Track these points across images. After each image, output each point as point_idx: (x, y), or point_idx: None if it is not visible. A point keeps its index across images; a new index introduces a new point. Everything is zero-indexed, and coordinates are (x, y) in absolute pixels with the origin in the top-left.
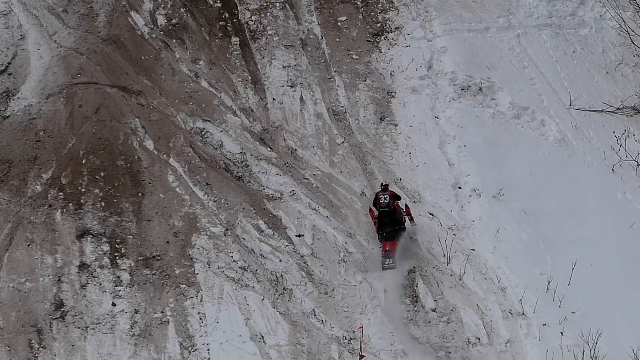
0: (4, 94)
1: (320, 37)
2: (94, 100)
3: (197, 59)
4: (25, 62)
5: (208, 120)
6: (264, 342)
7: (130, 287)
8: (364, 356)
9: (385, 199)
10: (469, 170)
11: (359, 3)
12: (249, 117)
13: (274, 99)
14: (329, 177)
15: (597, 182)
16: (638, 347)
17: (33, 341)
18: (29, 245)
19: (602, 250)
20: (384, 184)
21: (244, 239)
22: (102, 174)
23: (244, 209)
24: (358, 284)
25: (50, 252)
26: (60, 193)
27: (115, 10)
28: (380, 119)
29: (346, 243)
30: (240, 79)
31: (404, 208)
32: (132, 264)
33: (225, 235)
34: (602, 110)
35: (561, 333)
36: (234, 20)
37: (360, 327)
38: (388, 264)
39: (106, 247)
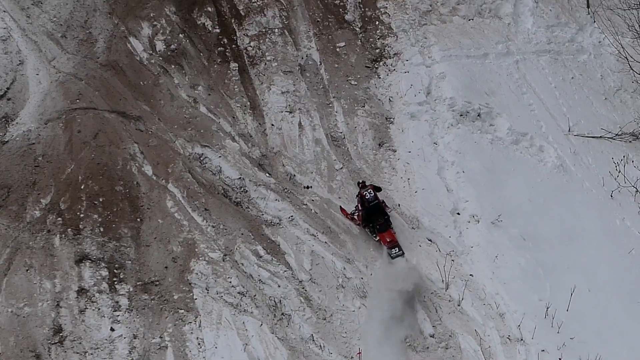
0: (3, 119)
1: (319, 63)
2: (92, 126)
3: (196, 84)
4: (24, 87)
5: (207, 146)
6: None
7: (128, 312)
8: None
9: (370, 194)
10: (468, 196)
11: (357, 29)
12: (247, 142)
13: (272, 125)
14: (328, 203)
15: (595, 208)
16: None
17: None
18: (27, 270)
19: (600, 276)
20: (360, 182)
21: (242, 264)
22: (100, 199)
23: (242, 234)
24: (356, 309)
25: (49, 277)
26: (59, 218)
27: (114, 36)
28: (379, 144)
29: (344, 269)
30: (239, 105)
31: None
32: (131, 289)
33: (223, 260)
34: (600, 137)
35: (559, 359)
36: (233, 46)
37: (359, 353)
38: (396, 252)
39: (105, 272)
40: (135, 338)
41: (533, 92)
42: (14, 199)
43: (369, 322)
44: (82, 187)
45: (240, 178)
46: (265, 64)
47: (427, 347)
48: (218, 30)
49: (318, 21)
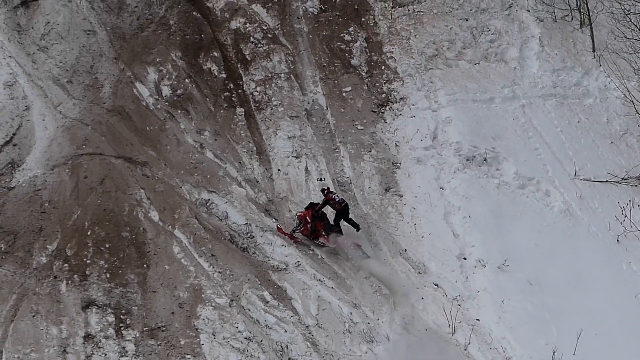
0: (9, 165)
1: (325, 108)
2: (99, 171)
3: (202, 129)
4: (30, 133)
5: (213, 192)
6: None
7: (135, 358)
8: None
9: (338, 196)
10: (474, 241)
11: (363, 74)
12: (254, 188)
13: (279, 170)
14: (334, 248)
15: (602, 252)
16: None
17: None
18: (34, 316)
19: (607, 321)
20: (324, 188)
21: (249, 309)
22: (107, 245)
23: (249, 280)
24: (363, 354)
25: (56, 323)
26: (66, 264)
27: (120, 81)
28: (385, 189)
29: (351, 314)
30: (245, 150)
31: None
32: (137, 335)
33: (230, 306)
34: (607, 181)
35: None
36: (239, 90)
37: None
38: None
39: (111, 318)
40: None
41: (539, 136)
42: (20, 245)
43: None
44: (88, 233)
45: (246, 224)
46: (272, 108)
47: None
48: (224, 75)
49: (324, 66)
